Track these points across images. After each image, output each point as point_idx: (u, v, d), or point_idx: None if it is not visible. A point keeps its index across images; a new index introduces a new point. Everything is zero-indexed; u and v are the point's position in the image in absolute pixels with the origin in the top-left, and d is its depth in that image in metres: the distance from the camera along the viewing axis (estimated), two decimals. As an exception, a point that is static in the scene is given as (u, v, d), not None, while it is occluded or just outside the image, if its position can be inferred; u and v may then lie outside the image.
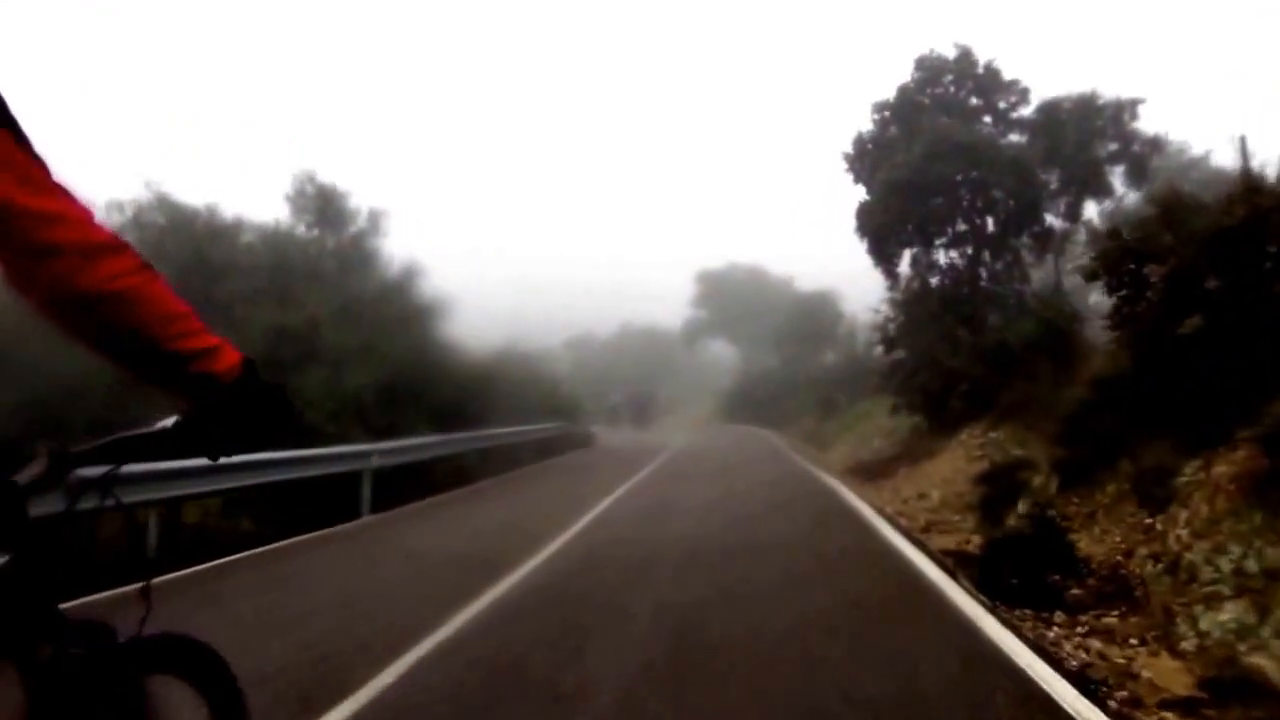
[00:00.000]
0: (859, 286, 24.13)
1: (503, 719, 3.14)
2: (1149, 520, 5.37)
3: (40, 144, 0.98)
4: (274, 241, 14.32)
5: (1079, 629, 4.41)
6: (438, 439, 12.84)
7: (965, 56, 16.25)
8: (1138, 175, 15.31)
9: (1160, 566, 4.76)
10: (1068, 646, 4.04)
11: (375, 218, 16.19)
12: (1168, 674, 3.86)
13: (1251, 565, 4.35)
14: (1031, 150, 15.38)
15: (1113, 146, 15.30)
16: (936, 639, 3.87)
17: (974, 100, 16.41)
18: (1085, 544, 5.67)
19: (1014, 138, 16.09)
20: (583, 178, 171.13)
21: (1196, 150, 23.31)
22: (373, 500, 10.12)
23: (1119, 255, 6.95)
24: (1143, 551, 5.16)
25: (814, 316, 37.28)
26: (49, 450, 1.08)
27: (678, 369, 57.55)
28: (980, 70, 16.17)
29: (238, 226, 13.93)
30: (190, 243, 12.04)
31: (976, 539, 6.79)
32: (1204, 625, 4.25)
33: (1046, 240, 15.59)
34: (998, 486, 7.60)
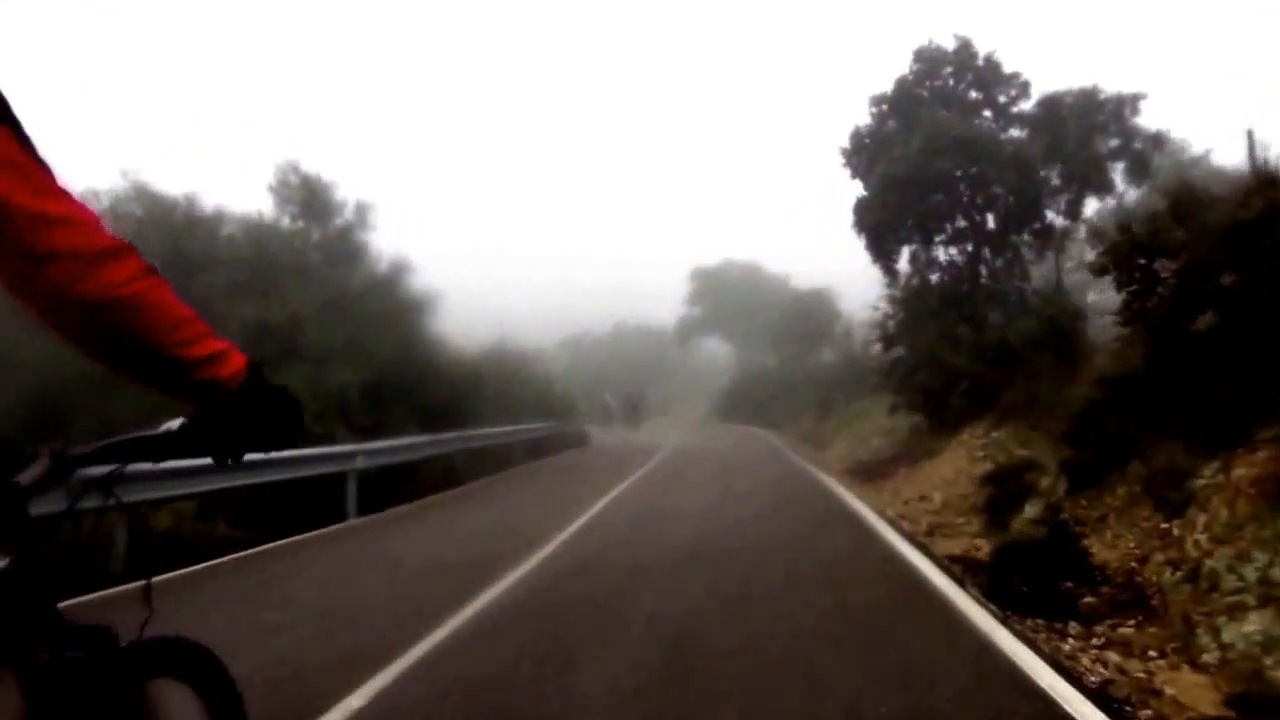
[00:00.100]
0: (856, 285, 23.99)
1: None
2: (1164, 525, 5.14)
3: (39, 142, 0.94)
4: (256, 233, 13.93)
5: (1094, 640, 4.18)
6: (426, 439, 12.55)
7: (965, 48, 16.02)
8: (1139, 172, 15.12)
9: (1179, 574, 4.53)
10: (1085, 660, 3.80)
11: (363, 211, 15.78)
12: (1192, 690, 3.62)
13: (1278, 574, 4.13)
14: (1032, 146, 15.16)
15: (1114, 142, 15.09)
16: (948, 653, 3.62)
17: (973, 94, 16.18)
18: (1097, 549, 5.44)
19: (1014, 132, 15.86)
20: (579, 177, 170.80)
21: (1197, 149, 23.15)
22: (359, 503, 9.87)
23: (1129, 250, 6.72)
24: (1158, 558, 4.93)
25: (811, 315, 37.04)
26: (51, 451, 1.07)
27: (673, 368, 57.25)
28: (980, 62, 15.94)
29: (218, 218, 13.54)
30: (167, 235, 11.68)
31: (984, 544, 6.56)
32: (1227, 637, 4.02)
33: (1047, 237, 15.38)
34: (1003, 488, 7.36)
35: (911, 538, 6.91)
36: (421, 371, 14.11)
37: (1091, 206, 16.24)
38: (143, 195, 12.47)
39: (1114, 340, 10.15)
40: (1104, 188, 15.26)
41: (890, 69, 16.99)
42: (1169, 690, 3.57)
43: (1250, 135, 9.83)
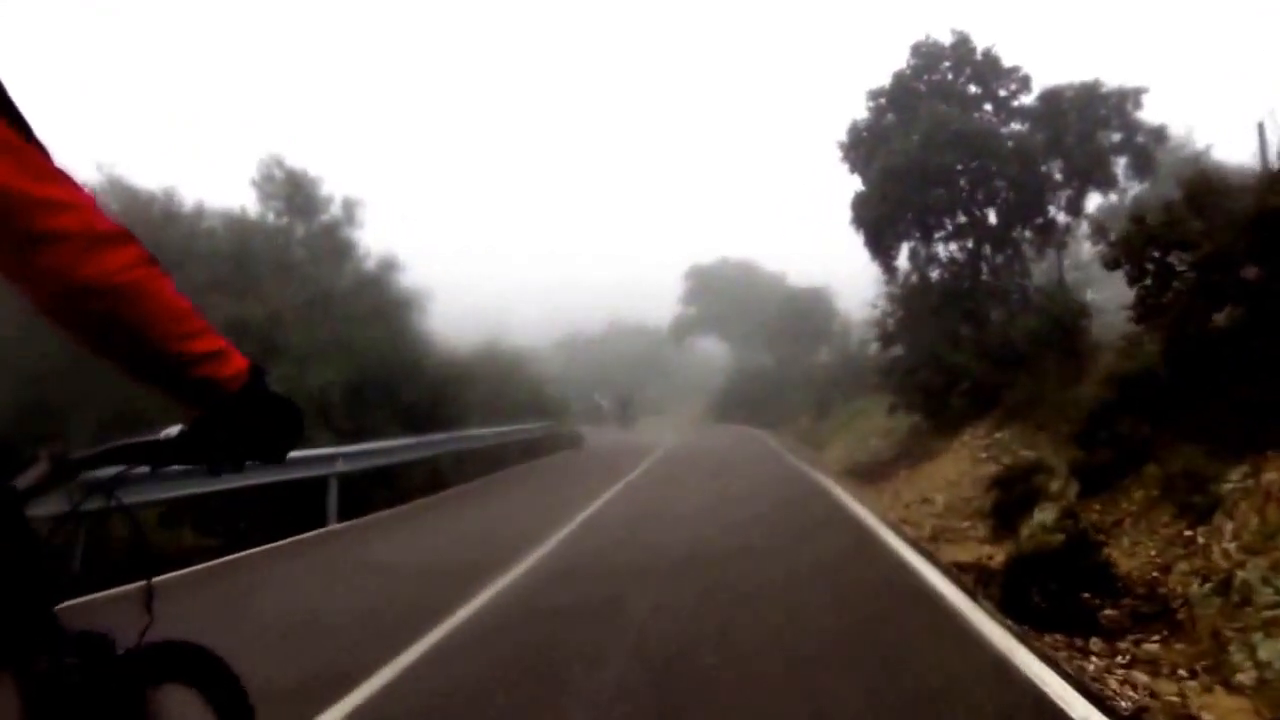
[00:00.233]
0: (853, 284, 23.73)
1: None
2: (1188, 532, 4.83)
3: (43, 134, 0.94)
4: (238, 229, 13.58)
5: (1119, 658, 3.86)
6: (411, 441, 12.18)
7: (963, 43, 15.73)
8: (1142, 167, 14.82)
9: (1208, 586, 4.21)
10: (1112, 682, 3.48)
11: (350, 206, 15.44)
12: (1231, 715, 3.31)
13: (1318, 587, 3.82)
14: (1033, 140, 14.88)
15: (1116, 137, 14.80)
16: (965, 676, 3.30)
17: (973, 88, 15.88)
18: (1115, 557, 5.12)
19: (1015, 126, 15.57)
20: (572, 175, 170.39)
21: (1197, 145, 22.87)
22: (340, 508, 9.54)
23: (1143, 243, 6.41)
24: (1182, 567, 4.62)
25: (807, 313, 36.77)
26: (51, 455, 1.06)
27: (669, 368, 56.87)
28: (979, 57, 15.64)
29: (198, 213, 13.18)
30: (144, 230, 11.32)
31: (993, 551, 6.25)
32: (1264, 655, 3.70)
33: (1049, 233, 15.09)
34: (1011, 492, 7.05)
35: (915, 544, 6.59)
36: (408, 371, 13.77)
37: (1092, 204, 16.00)
38: (118, 189, 12.09)
39: (1121, 338, 9.88)
40: (1106, 183, 14.97)
41: (887, 67, 16.61)
42: (1206, 716, 3.26)
43: (1261, 127, 9.54)
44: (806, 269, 48.82)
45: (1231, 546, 4.36)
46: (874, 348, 17.80)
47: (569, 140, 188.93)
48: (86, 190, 0.96)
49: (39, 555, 1.03)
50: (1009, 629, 3.93)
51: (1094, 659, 3.78)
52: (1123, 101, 14.61)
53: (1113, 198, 16.34)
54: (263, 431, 1.12)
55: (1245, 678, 3.60)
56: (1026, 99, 15.55)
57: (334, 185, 19.11)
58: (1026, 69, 15.61)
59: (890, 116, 16.22)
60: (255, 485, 8.14)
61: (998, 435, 11.04)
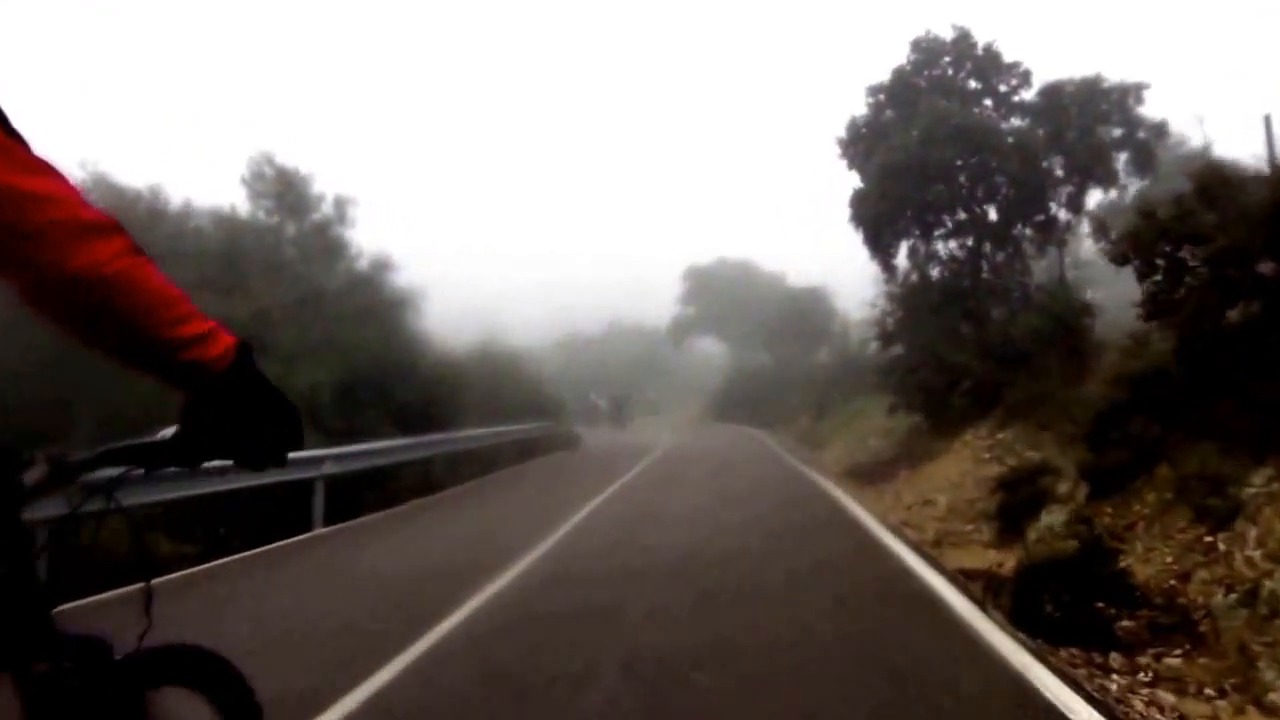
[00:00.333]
0: (851, 284, 23.54)
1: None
2: (1208, 538, 4.61)
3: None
4: (228, 227, 13.36)
5: (1141, 675, 3.63)
6: (402, 442, 11.93)
7: (964, 38, 15.53)
8: (1143, 163, 14.61)
9: (1233, 597, 3.99)
10: (1137, 703, 3.26)
11: (341, 205, 15.21)
12: (1266, 740, 3.10)
13: (1352, 598, 3.60)
14: (1034, 136, 14.66)
15: (1117, 132, 14.59)
16: (980, 697, 3.07)
17: (973, 83, 15.68)
18: (1128, 563, 4.90)
19: (1015, 122, 15.37)
20: (572, 175, 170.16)
21: (1195, 142, 22.66)
22: (329, 511, 9.29)
23: (1154, 237, 6.19)
24: (1203, 575, 4.40)
25: (806, 313, 36.58)
26: (49, 457, 1.05)
27: (667, 367, 56.67)
28: (979, 52, 15.44)
29: (185, 211, 12.95)
30: (128, 228, 11.08)
31: (998, 555, 6.03)
32: (1296, 671, 3.49)
33: (1050, 230, 14.88)
34: (1016, 494, 6.83)
35: (918, 548, 6.36)
36: (401, 371, 13.56)
37: (1092, 201, 15.79)
38: (102, 187, 11.83)
39: (1126, 336, 9.67)
40: (1108, 179, 14.76)
41: (887, 63, 16.41)
42: (1239, 740, 3.05)
43: (1268, 120, 9.33)
44: (805, 268, 48.74)
45: (1256, 554, 4.14)
46: (873, 347, 17.60)
47: (568, 141, 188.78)
48: (70, 181, 0.95)
49: (36, 559, 1.04)
50: (1023, 643, 3.70)
51: (1115, 676, 3.56)
52: (1124, 97, 14.42)
53: (1113, 195, 16.14)
54: (252, 414, 1.10)
55: (1278, 697, 3.38)
56: (1027, 94, 15.38)
57: (326, 184, 18.95)
58: (1027, 64, 15.46)
59: (890, 112, 16.02)
60: (237, 489, 7.87)
61: (1000, 435, 10.83)
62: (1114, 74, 14.78)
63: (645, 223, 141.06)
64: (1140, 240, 6.36)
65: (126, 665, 1.18)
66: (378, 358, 12.80)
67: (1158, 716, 3.12)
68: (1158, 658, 3.83)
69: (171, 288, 1.01)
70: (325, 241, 14.95)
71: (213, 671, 1.38)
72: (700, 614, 4.59)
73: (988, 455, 10.36)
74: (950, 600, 4.58)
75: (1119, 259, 6.83)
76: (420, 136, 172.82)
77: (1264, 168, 8.71)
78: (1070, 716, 2.79)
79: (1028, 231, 15.13)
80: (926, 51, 15.94)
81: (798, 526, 7.77)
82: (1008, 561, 5.75)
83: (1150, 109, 14.69)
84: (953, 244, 15.51)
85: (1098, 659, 3.78)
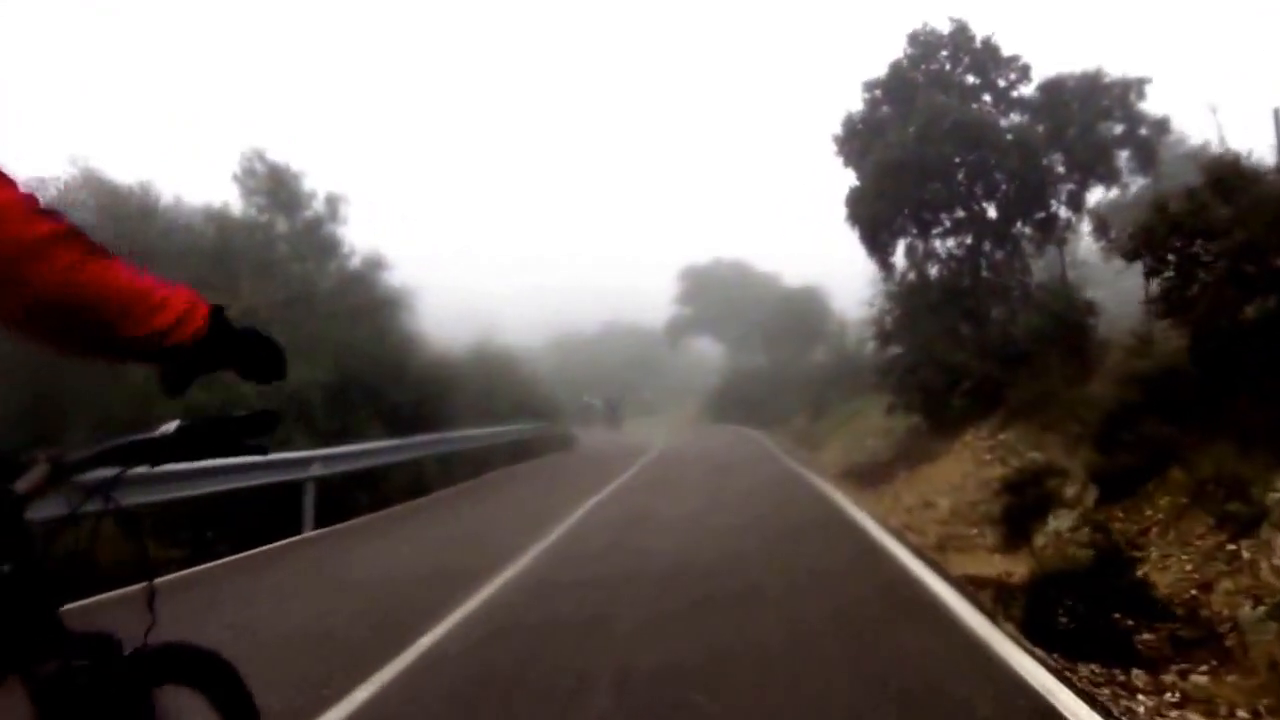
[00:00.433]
0: (848, 284, 23.33)
1: None
2: (1230, 545, 4.39)
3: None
4: (218, 224, 13.14)
5: (1168, 695, 3.41)
6: (394, 443, 11.70)
7: (961, 31, 15.29)
8: (1145, 160, 14.40)
9: (1261, 610, 3.76)
10: (1167, 727, 3.04)
11: (333, 202, 14.98)
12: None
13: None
14: (1033, 131, 14.44)
15: (1118, 129, 14.38)
16: (1000, 722, 2.85)
17: (971, 78, 15.44)
18: (1145, 572, 4.68)
19: (1015, 118, 15.15)
20: (567, 176, 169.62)
21: (1194, 140, 22.49)
22: (319, 513, 9.08)
23: (1166, 232, 5.97)
24: (1226, 586, 4.18)
25: (802, 313, 36.42)
26: (48, 457, 1.06)
27: (663, 368, 56.45)
28: (978, 45, 15.21)
29: (176, 208, 12.71)
30: (120, 224, 10.86)
31: (1006, 563, 5.81)
32: (1332, 691, 3.28)
33: (1050, 228, 14.66)
34: (1022, 496, 6.61)
35: (921, 553, 6.15)
36: (394, 371, 13.38)
37: (1093, 199, 15.58)
38: (92, 183, 11.61)
39: (1130, 334, 9.48)
40: (1109, 176, 14.54)
41: (881, 61, 16.14)
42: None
43: (1277, 114, 9.13)
44: (801, 269, 48.47)
45: (1284, 563, 3.93)
46: (871, 347, 17.41)
47: (564, 142, 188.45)
48: (24, 189, 0.92)
49: (41, 558, 1.04)
50: (1041, 660, 3.47)
51: (1141, 697, 3.33)
52: (1126, 92, 14.20)
53: (1114, 193, 15.95)
54: (235, 362, 1.14)
55: (1312, 718, 3.16)
56: (1027, 89, 15.15)
57: (320, 182, 18.71)
58: (1026, 58, 15.22)
59: (886, 108, 15.79)
60: (227, 491, 7.70)
61: (1002, 436, 10.63)
62: (1115, 68, 14.48)
63: (640, 223, 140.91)
64: (1152, 235, 6.15)
65: (135, 661, 1.18)
66: (370, 357, 12.61)
67: (1191, 742, 2.90)
68: (1183, 675, 3.61)
69: (139, 280, 1.00)
70: (317, 239, 14.74)
71: (212, 671, 1.39)
72: (696, 625, 4.38)
73: (989, 456, 10.16)
74: (959, 611, 4.35)
75: (1129, 255, 6.62)
76: (418, 139, 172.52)
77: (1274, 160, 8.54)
78: (1101, 746, 2.56)
79: (1027, 230, 14.92)
80: (923, 45, 15.72)
81: (797, 530, 7.56)
82: (1015, 568, 5.54)
83: (1152, 104, 14.49)
84: (951, 242, 15.30)
85: (1119, 676, 3.56)
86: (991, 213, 14.89)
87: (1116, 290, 15.44)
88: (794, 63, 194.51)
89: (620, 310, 60.62)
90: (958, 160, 14.47)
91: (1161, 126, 14.65)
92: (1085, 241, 19.08)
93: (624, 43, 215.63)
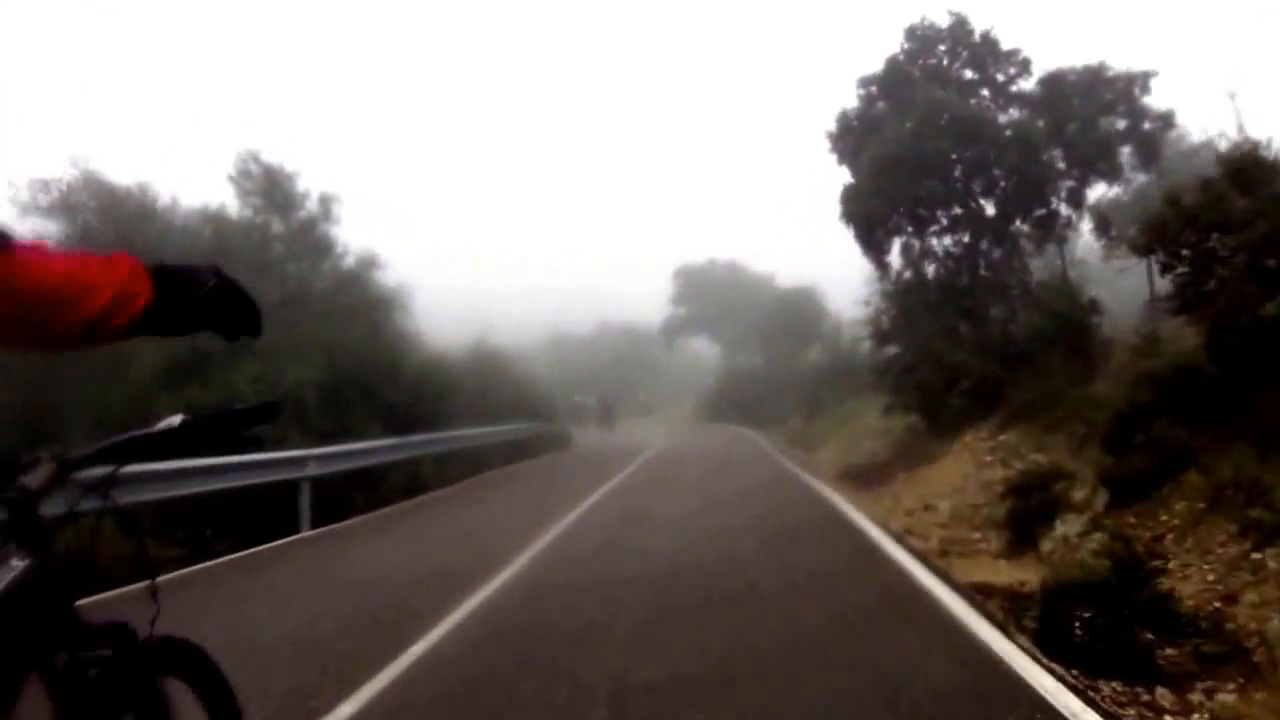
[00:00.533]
0: (843, 283, 23.15)
1: None
2: (1255, 554, 4.17)
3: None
4: (215, 224, 12.98)
5: (1196, 715, 3.19)
6: (390, 443, 11.57)
7: (960, 25, 15.05)
8: (1149, 156, 14.19)
9: (1292, 623, 3.55)
10: (1200, 753, 2.82)
11: (327, 202, 14.82)
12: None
13: None
14: (1033, 127, 14.20)
15: (1121, 124, 14.16)
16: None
17: (969, 73, 15.22)
18: (1169, 584, 4.46)
19: (1014, 113, 14.91)
20: (563, 177, 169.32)
21: (1195, 138, 22.30)
22: (317, 512, 8.95)
23: (1180, 226, 5.75)
24: (1252, 597, 3.96)
25: (797, 313, 36.28)
26: (53, 455, 1.06)
27: (658, 368, 56.31)
28: (976, 39, 14.97)
29: (173, 209, 12.52)
30: (118, 225, 10.75)
31: (1012, 568, 5.59)
32: (1370, 710, 3.06)
33: (1050, 226, 14.44)
34: (1029, 500, 6.40)
35: (924, 558, 5.93)
36: (389, 371, 13.29)
37: (1093, 196, 15.38)
38: (92, 184, 11.41)
39: (1135, 334, 9.28)
40: (1111, 172, 14.33)
41: (877, 58, 15.84)
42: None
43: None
44: (795, 268, 48.32)
45: (1314, 574, 3.71)
46: (867, 346, 17.20)
47: (559, 143, 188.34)
48: None
49: (56, 553, 1.04)
50: (1062, 678, 3.24)
51: (1168, 718, 3.11)
52: (1130, 86, 13.98)
53: (1115, 190, 15.77)
54: (203, 324, 1.11)
55: (1350, 740, 2.95)
56: (1027, 83, 14.93)
57: (315, 182, 18.55)
58: (1026, 52, 14.99)
59: (882, 104, 15.55)
60: (225, 490, 7.67)
61: (1003, 437, 10.42)
62: (1120, 62, 14.24)
63: (636, 224, 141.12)
64: (1164, 229, 5.93)
65: (149, 648, 1.22)
66: (365, 357, 12.56)
67: (1228, 772, 2.67)
68: (1210, 694, 3.38)
69: (67, 264, 0.96)
70: (311, 239, 14.58)
71: (202, 667, 1.41)
72: (693, 633, 4.19)
73: (990, 458, 9.94)
74: (968, 622, 4.13)
75: (1140, 250, 6.41)
76: (418, 140, 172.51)
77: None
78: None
79: (1026, 228, 14.71)
80: (921, 39, 15.48)
81: (793, 533, 7.38)
82: (1021, 574, 5.32)
83: (1157, 99, 14.27)
84: (948, 240, 15.07)
85: (1144, 695, 3.33)
86: (990, 210, 14.67)
87: (1116, 290, 15.26)
88: (789, 64, 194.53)
89: (616, 310, 60.49)
90: (955, 156, 14.24)
91: (1166, 121, 14.44)
92: (1084, 240, 18.93)
93: (621, 43, 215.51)
